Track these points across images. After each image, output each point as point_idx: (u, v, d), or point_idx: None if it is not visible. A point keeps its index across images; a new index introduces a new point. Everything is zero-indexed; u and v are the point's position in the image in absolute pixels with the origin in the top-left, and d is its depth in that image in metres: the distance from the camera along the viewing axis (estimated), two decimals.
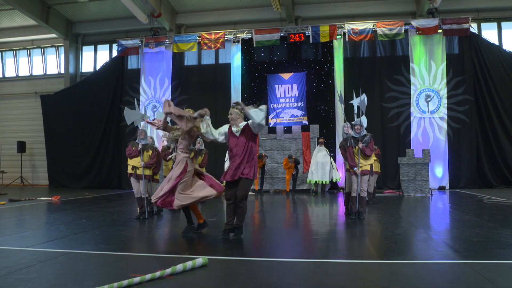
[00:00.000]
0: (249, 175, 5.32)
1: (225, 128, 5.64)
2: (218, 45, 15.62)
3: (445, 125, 14.42)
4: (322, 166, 13.40)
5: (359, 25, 14.81)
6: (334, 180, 13.65)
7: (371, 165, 7.45)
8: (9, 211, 8.99)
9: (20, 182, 18.15)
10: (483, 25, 15.90)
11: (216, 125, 5.83)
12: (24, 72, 20.01)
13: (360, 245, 5.08)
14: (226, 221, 5.51)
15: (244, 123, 5.53)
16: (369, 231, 6.02)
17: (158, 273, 3.61)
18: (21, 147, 18.07)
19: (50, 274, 3.78)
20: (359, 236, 5.68)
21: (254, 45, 15.50)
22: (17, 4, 15.38)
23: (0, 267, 4.00)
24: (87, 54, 19.38)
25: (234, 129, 5.53)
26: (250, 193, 13.64)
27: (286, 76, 15.60)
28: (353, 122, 7.61)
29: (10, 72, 20.23)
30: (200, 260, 3.98)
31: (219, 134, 5.70)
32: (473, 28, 14.94)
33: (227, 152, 14.28)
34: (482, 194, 11.39)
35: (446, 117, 14.45)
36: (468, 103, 14.42)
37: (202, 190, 5.67)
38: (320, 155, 13.55)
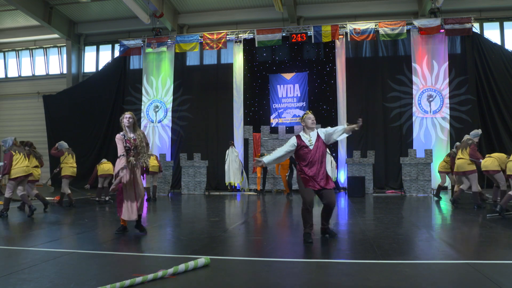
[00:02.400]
0: (332, 185, 5.40)
1: (292, 140, 5.38)
2: (220, 45, 15.62)
3: (447, 125, 14.40)
4: None
5: (361, 25, 14.79)
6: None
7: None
8: (11, 211, 9.00)
9: None
10: (485, 24, 15.88)
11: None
12: (26, 72, 20.08)
13: (363, 245, 5.08)
14: (310, 225, 5.32)
15: (315, 132, 5.42)
16: (371, 231, 6.01)
17: (160, 273, 3.62)
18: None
19: (52, 274, 3.79)
20: (361, 236, 5.68)
21: (256, 45, 15.49)
22: (19, 5, 15.42)
23: (3, 267, 4.01)
24: (89, 54, 19.43)
25: (307, 139, 5.34)
26: (252, 193, 13.74)
27: (288, 76, 15.60)
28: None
29: (12, 72, 20.31)
30: (202, 260, 3.98)
31: (286, 152, 5.43)
32: (475, 28, 14.91)
33: (227, 153, 14.26)
34: (484, 194, 11.34)
35: (448, 117, 14.43)
36: (470, 103, 14.39)
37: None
38: None
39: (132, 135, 5.81)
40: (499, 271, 3.83)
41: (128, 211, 5.78)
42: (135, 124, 5.92)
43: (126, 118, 5.81)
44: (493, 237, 5.36)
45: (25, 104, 19.47)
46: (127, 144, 5.74)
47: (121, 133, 5.81)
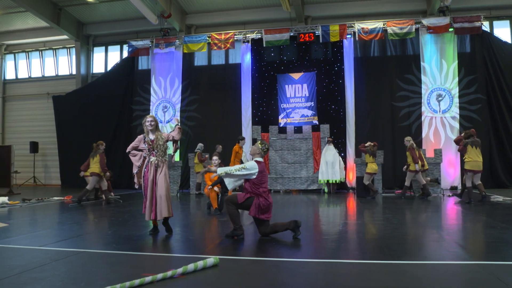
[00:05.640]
0: None
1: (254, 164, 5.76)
2: (228, 45, 15.63)
3: (457, 125, 14.27)
4: (332, 165, 13.35)
5: (369, 24, 14.72)
6: (338, 180, 13.50)
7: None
8: (22, 211, 9.11)
9: (33, 182, 18.38)
10: (495, 23, 15.71)
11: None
12: (36, 73, 20.26)
13: (371, 245, 5.06)
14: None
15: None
16: (380, 232, 5.99)
17: (169, 273, 3.64)
18: (34, 147, 18.28)
19: (63, 273, 3.83)
20: (370, 236, 5.66)
21: (264, 45, 15.47)
22: (29, 6, 15.58)
23: (14, 265, 4.06)
24: (98, 55, 19.55)
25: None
26: None
27: (296, 76, 15.58)
28: None
29: (22, 74, 20.51)
30: (211, 260, 4.00)
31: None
32: (485, 26, 14.76)
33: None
34: (494, 194, 11.26)
35: (458, 116, 14.30)
36: (480, 102, 14.25)
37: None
38: (329, 154, 13.51)
39: (152, 136, 6.00)
40: (509, 272, 3.80)
41: (147, 210, 5.87)
42: (157, 127, 6.12)
43: (148, 121, 6.01)
44: (504, 238, 5.32)
45: (35, 105, 19.66)
46: (145, 146, 5.98)
47: (143, 134, 6.09)
